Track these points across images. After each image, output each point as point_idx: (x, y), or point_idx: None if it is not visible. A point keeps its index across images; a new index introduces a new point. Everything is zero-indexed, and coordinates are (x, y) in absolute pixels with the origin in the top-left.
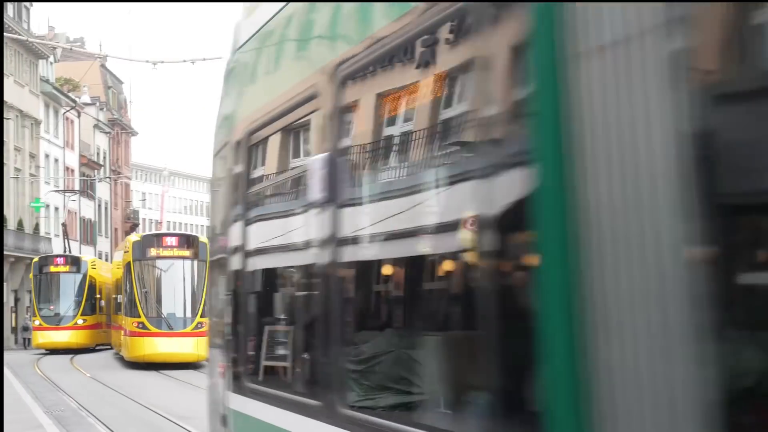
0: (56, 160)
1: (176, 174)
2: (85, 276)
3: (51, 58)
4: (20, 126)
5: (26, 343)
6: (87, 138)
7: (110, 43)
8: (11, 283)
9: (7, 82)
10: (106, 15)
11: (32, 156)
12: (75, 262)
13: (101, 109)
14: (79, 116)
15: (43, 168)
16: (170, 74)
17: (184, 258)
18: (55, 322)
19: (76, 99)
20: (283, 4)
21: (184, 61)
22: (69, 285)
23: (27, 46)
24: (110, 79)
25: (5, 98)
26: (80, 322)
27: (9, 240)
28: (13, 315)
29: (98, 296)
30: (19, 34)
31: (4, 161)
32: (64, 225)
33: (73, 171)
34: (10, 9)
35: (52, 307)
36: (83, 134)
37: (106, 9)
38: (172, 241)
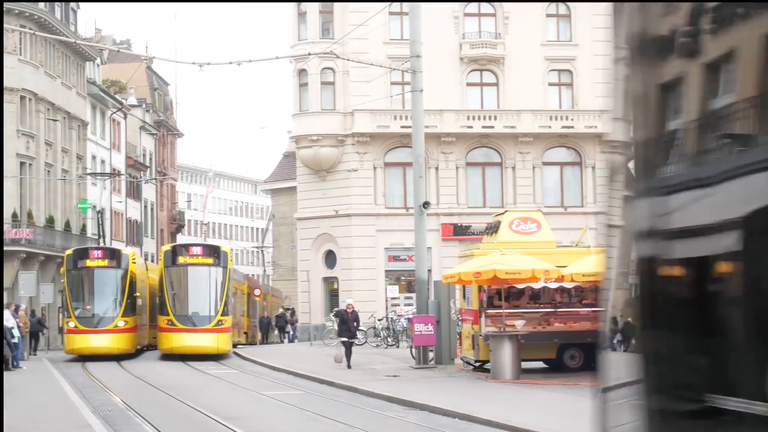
0: (103, 162)
1: (221, 175)
2: (126, 271)
3: (98, 60)
4: (68, 128)
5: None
6: (133, 139)
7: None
8: (58, 285)
9: (55, 84)
10: (153, 17)
11: (79, 157)
12: (114, 256)
13: (147, 111)
14: (125, 118)
15: (90, 169)
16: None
17: (208, 265)
18: (92, 324)
19: (123, 101)
20: None
21: (230, 62)
22: (108, 281)
23: (74, 48)
24: (156, 80)
25: (54, 101)
26: (121, 324)
27: (56, 241)
28: (61, 316)
29: (137, 294)
30: (67, 37)
31: (52, 162)
32: (100, 212)
33: (119, 172)
34: (57, 11)
35: (88, 307)
36: (130, 136)
37: (152, 11)
38: (198, 248)
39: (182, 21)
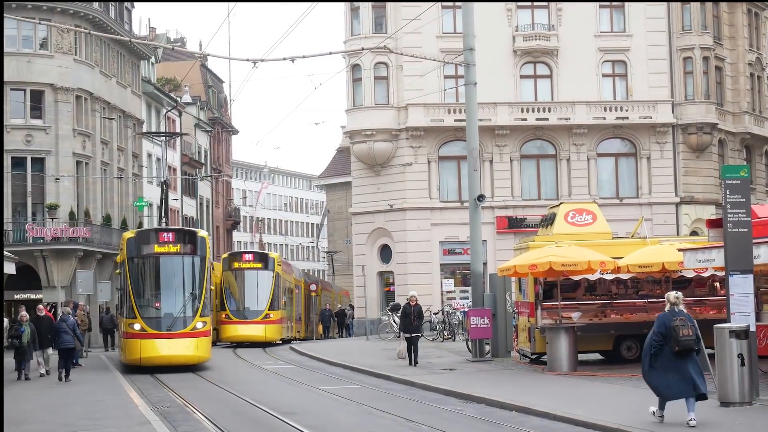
0: (158, 160)
1: (276, 171)
2: (204, 259)
3: (152, 59)
4: (123, 126)
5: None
6: (188, 137)
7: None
8: (115, 281)
9: (110, 83)
10: (206, 15)
11: (135, 156)
12: (191, 239)
13: (202, 109)
14: (180, 116)
15: (146, 167)
16: (270, 72)
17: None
18: (165, 325)
19: (177, 99)
20: None
21: (284, 59)
22: (183, 271)
23: (129, 47)
24: (211, 78)
25: (110, 100)
26: (200, 325)
27: (113, 239)
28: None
29: (212, 287)
30: (122, 36)
31: (108, 161)
32: (164, 182)
33: (175, 170)
34: (111, 11)
35: (158, 305)
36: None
37: (206, 9)
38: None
39: (236, 18)
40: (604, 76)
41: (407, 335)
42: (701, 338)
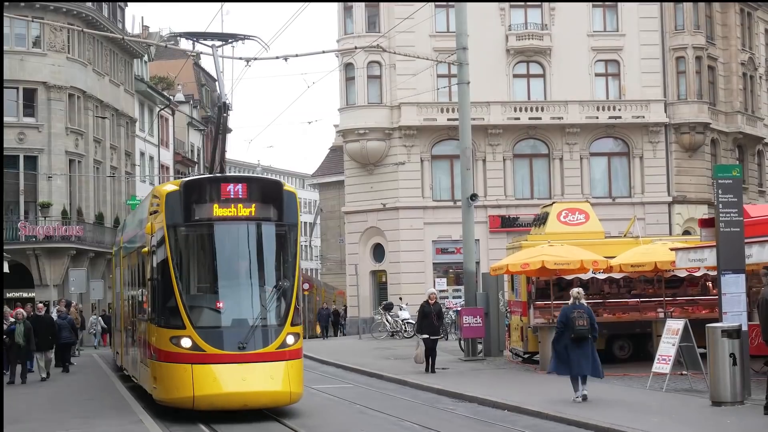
0: (151, 158)
1: (269, 170)
2: (294, 231)
3: (145, 57)
4: (116, 125)
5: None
6: (181, 135)
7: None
8: (108, 281)
9: (103, 81)
10: (200, 13)
11: (128, 154)
12: (274, 195)
13: (195, 107)
14: (173, 114)
15: (139, 166)
16: (263, 71)
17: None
18: (238, 341)
19: (171, 97)
20: None
21: (277, 57)
22: (264, 248)
23: (122, 45)
24: (204, 76)
25: (102, 98)
26: (290, 340)
27: (106, 237)
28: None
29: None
30: (114, 34)
31: (101, 160)
32: (223, 105)
33: (168, 168)
34: (104, 9)
35: (220, 306)
36: (178, 132)
37: (199, 7)
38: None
39: (229, 17)
40: (596, 75)
41: (425, 337)
42: (596, 327)
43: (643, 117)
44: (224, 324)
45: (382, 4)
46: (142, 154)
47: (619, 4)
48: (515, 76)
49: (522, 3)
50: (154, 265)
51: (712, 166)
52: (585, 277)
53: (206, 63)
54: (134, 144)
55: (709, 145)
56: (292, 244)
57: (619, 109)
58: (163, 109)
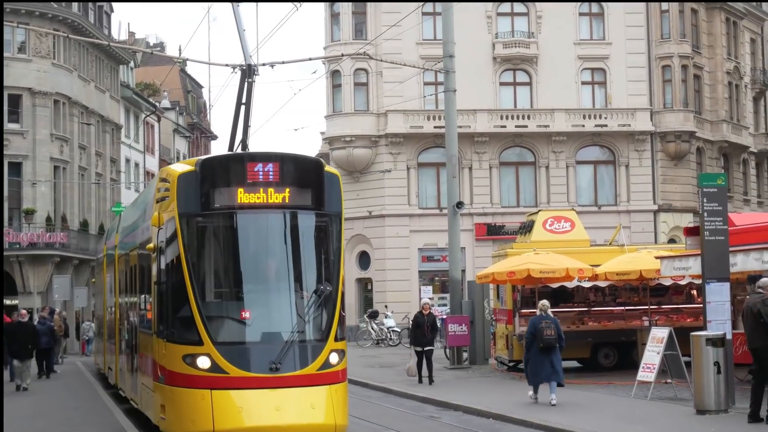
0: (137, 165)
1: None
2: (337, 222)
3: (131, 64)
4: (101, 131)
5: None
6: (167, 142)
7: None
8: (92, 288)
9: (89, 87)
10: (186, 20)
11: (113, 161)
12: (311, 177)
13: (181, 114)
14: (159, 121)
15: (124, 173)
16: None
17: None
18: (269, 361)
19: (156, 104)
20: None
21: (263, 64)
22: (301, 244)
23: (108, 51)
24: (190, 83)
25: (88, 104)
26: (334, 359)
27: (90, 245)
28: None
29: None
30: (100, 40)
31: (86, 166)
32: (247, 67)
33: (153, 175)
34: (90, 15)
35: (246, 315)
36: (163, 138)
37: (186, 14)
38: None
39: (216, 24)
40: (583, 83)
41: (419, 349)
42: (563, 337)
43: (629, 125)
44: (252, 339)
45: (369, 11)
46: (128, 160)
47: (605, 13)
48: (502, 84)
49: (509, 11)
50: (163, 265)
51: (697, 175)
52: (570, 285)
53: (192, 69)
54: (119, 151)
55: (695, 153)
56: (335, 239)
57: (605, 118)
58: (148, 115)
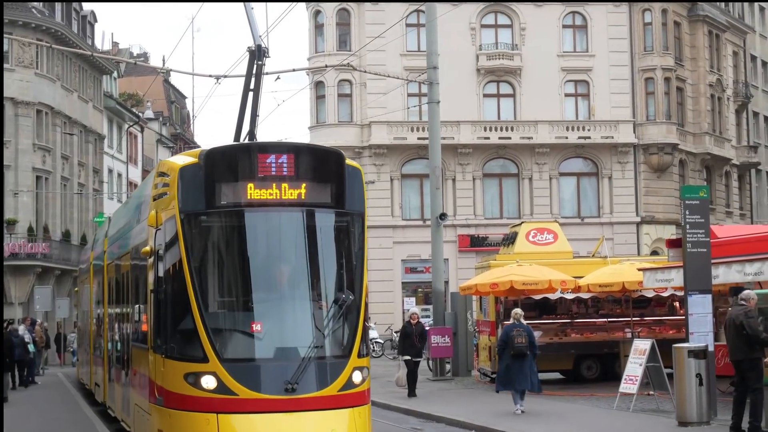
0: (119, 175)
1: None
2: (359, 222)
3: (114, 74)
4: (84, 141)
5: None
6: (150, 152)
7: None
8: (74, 298)
9: (72, 97)
10: (170, 30)
11: (96, 171)
12: (331, 171)
13: (164, 124)
14: (142, 131)
15: (107, 183)
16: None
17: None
18: (283, 379)
19: (140, 114)
20: None
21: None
22: (321, 246)
23: (91, 61)
24: (173, 93)
25: (71, 114)
26: (357, 378)
27: (72, 255)
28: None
29: None
30: (84, 50)
31: (69, 176)
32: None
33: (136, 186)
34: (74, 25)
35: (257, 328)
36: (146, 149)
37: (170, 24)
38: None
39: (200, 34)
40: (566, 95)
41: (407, 359)
42: (535, 345)
43: (612, 137)
44: (264, 355)
45: (353, 23)
46: (111, 171)
47: (589, 25)
48: (485, 95)
49: (493, 23)
50: (161, 270)
51: (680, 187)
52: (553, 297)
53: (176, 80)
54: (102, 161)
55: (677, 165)
56: (357, 241)
57: (589, 130)
58: (132, 125)
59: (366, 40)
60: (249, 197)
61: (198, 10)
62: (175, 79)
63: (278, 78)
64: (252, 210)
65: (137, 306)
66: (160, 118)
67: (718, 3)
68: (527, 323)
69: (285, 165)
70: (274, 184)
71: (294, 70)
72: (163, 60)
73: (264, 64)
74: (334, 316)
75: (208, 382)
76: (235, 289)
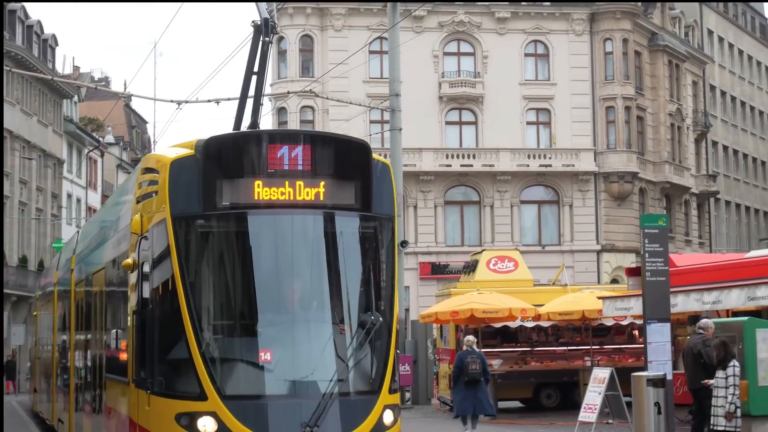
0: (78, 201)
1: None
2: (389, 228)
3: (75, 98)
4: (43, 166)
5: None
6: (110, 178)
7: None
8: (30, 324)
9: (31, 121)
10: (132, 54)
11: (54, 196)
12: (356, 168)
13: (125, 149)
14: (102, 156)
15: (66, 208)
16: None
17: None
18: (297, 420)
19: (100, 139)
20: None
21: (209, 101)
22: (344, 257)
23: (51, 85)
24: (134, 118)
25: (30, 138)
26: (388, 419)
27: (29, 281)
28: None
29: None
30: (44, 74)
31: (26, 201)
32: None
33: (95, 211)
34: (35, 48)
35: (267, 357)
36: (106, 174)
37: (132, 48)
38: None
39: (162, 59)
40: (528, 123)
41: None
42: (488, 371)
43: (573, 165)
44: (275, 391)
45: (316, 49)
46: (69, 196)
47: (551, 54)
48: (448, 123)
49: (455, 50)
50: (146, 288)
51: (640, 215)
52: (513, 325)
53: (137, 105)
54: (61, 186)
55: (638, 194)
56: (387, 252)
57: (550, 158)
58: (92, 150)
59: (329, 67)
60: (256, 197)
61: (161, 35)
62: (136, 104)
63: (218, 103)
64: (260, 213)
65: (114, 331)
66: (121, 143)
67: (677, 33)
68: (487, 351)
69: (300, 158)
70: (287, 182)
71: (256, 96)
72: (125, 84)
73: (272, 42)
74: (361, 343)
75: (207, 424)
76: (239, 309)
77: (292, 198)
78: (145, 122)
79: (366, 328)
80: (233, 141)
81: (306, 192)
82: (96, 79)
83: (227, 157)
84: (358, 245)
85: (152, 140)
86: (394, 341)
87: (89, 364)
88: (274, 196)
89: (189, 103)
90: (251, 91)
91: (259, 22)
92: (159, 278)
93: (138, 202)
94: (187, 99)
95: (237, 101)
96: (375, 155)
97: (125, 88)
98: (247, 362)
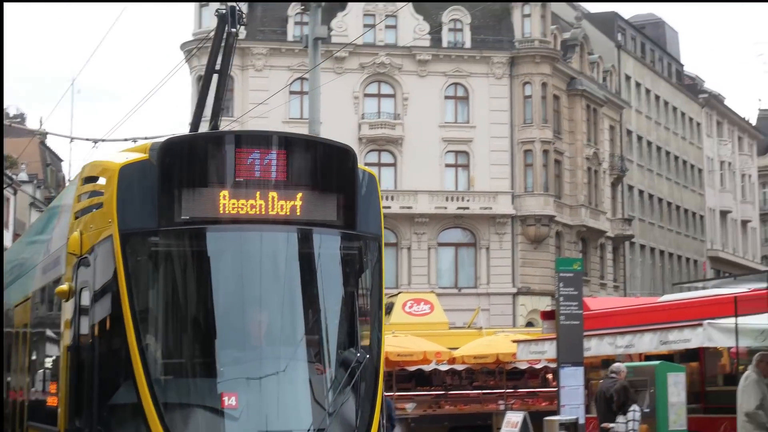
0: None
1: None
2: (376, 248)
3: None
4: None
5: None
6: (23, 216)
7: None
8: None
9: None
10: (49, 91)
11: None
12: (337, 179)
13: (38, 187)
14: (15, 194)
15: None
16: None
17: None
18: None
19: (13, 176)
20: None
21: (126, 139)
22: (321, 284)
23: None
24: (50, 156)
25: None
26: None
27: None
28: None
29: None
30: None
31: None
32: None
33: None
34: None
35: (232, 402)
36: (19, 212)
37: (48, 86)
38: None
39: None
40: (447, 166)
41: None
42: (393, 417)
43: (491, 208)
44: None
45: (236, 89)
46: None
47: (470, 97)
48: (367, 164)
49: (376, 92)
50: (85, 319)
51: (556, 259)
52: (428, 368)
53: (53, 143)
54: None
55: (554, 237)
56: (372, 276)
57: (468, 200)
58: (4, 188)
59: (249, 107)
60: (221, 210)
61: (79, 71)
62: (52, 142)
63: (135, 141)
64: (225, 229)
65: (40, 371)
66: (35, 181)
67: (596, 78)
68: (401, 395)
69: (274, 165)
70: (257, 193)
71: (217, 96)
72: (41, 122)
73: (237, 35)
74: (343, 386)
75: None
76: (199, 345)
77: (263, 212)
78: (61, 160)
79: (349, 368)
80: (195, 143)
81: (280, 205)
82: (11, 115)
83: (188, 163)
84: (340, 269)
85: (66, 179)
86: (381, 383)
87: (7, 410)
88: (242, 209)
89: (106, 141)
90: (211, 92)
91: (224, 11)
92: (102, 308)
93: (77, 217)
94: (103, 138)
95: (154, 140)
96: (360, 165)
97: (41, 125)
98: (207, 408)
